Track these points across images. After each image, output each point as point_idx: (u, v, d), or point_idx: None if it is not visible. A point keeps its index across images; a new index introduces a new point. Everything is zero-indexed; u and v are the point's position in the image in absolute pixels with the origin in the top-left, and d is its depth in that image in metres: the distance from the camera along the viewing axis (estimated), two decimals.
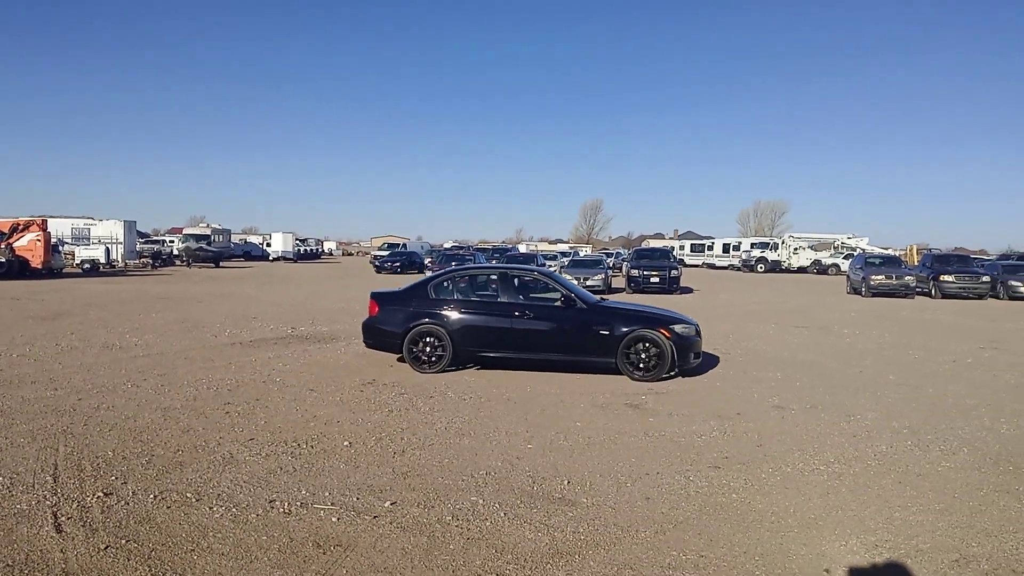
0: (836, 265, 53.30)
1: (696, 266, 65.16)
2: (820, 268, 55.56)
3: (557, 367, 10.59)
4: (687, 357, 10.43)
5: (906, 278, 30.18)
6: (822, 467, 6.41)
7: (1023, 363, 12.64)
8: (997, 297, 29.92)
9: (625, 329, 10.32)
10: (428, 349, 10.65)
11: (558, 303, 10.76)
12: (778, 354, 13.13)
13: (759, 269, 57.03)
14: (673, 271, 30.41)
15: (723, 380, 10.46)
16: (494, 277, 11.55)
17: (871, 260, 33.40)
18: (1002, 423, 8.12)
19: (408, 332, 10.71)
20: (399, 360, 11.06)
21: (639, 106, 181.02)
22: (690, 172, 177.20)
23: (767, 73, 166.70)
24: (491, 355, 10.69)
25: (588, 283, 28.35)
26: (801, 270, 57.04)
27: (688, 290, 31.64)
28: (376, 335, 11.23)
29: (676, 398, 9.21)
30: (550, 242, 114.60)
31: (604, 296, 11.61)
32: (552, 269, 36.09)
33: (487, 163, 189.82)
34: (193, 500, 5.24)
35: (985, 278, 30.01)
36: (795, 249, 58.63)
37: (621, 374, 10.30)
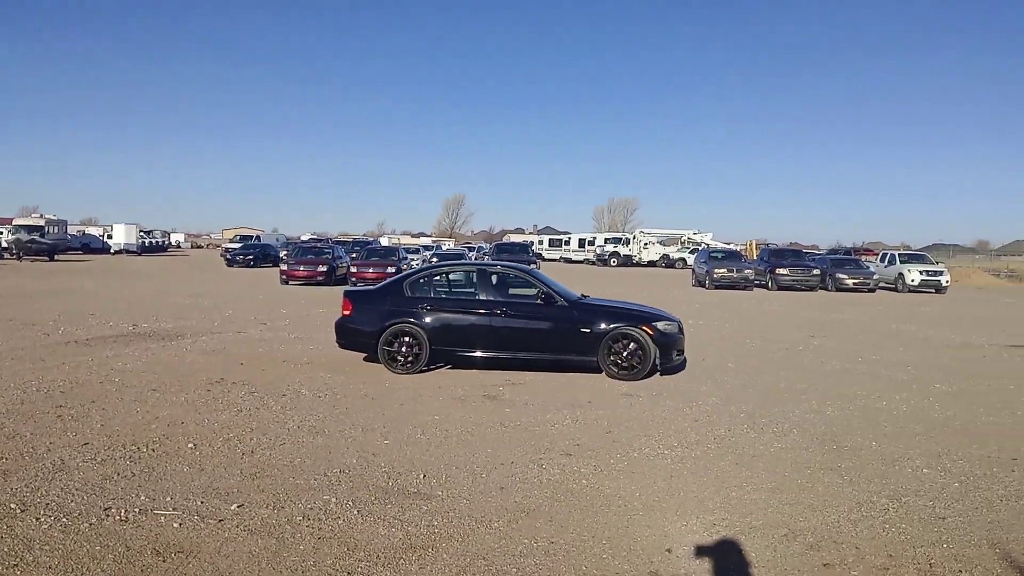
0: (683, 259, 55.93)
1: (554, 260, 66.63)
2: (669, 262, 58.23)
3: (538, 366, 10.40)
4: (670, 355, 10.29)
5: (746, 271, 32.13)
6: (666, 451, 6.73)
7: (848, 350, 13.78)
8: (826, 289, 32.44)
9: (606, 327, 10.14)
10: (404, 349, 10.36)
11: (536, 300, 10.57)
12: None
13: (612, 263, 59.01)
14: (531, 265, 30.97)
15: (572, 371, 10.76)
16: (472, 274, 11.29)
17: (714, 254, 35.35)
18: (828, 406, 8.80)
19: (383, 332, 10.40)
20: (365, 359, 10.71)
21: (502, 102, 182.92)
22: (550, 169, 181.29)
23: (620, 73, 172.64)
24: (469, 355, 10.43)
25: None
26: (651, 264, 59.48)
27: None
28: (349, 335, 10.91)
29: (532, 388, 9.38)
30: (413, 235, 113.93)
31: (585, 294, 11.29)
32: (412, 261, 36.01)
33: (348, 153, 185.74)
34: (17, 511, 4.83)
35: (816, 271, 32.52)
36: (646, 244, 61.11)
37: (601, 372, 10.17)
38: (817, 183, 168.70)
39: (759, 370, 11.28)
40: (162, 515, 4.84)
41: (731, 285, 31.72)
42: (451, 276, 11.62)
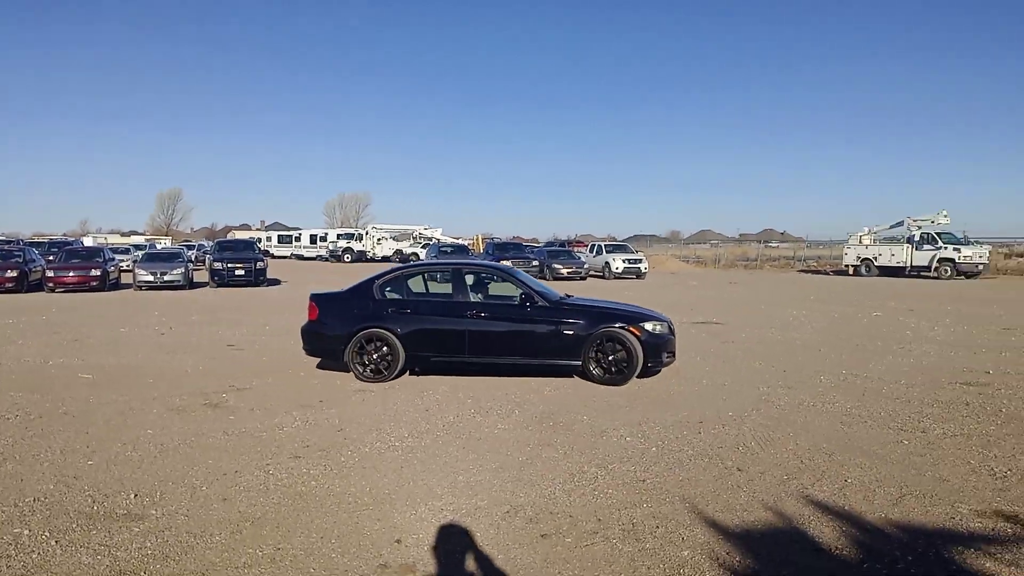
0: (416, 254, 56.79)
1: (285, 257, 64.47)
2: (403, 258, 58.73)
3: (519, 372, 9.90)
4: (659, 357, 9.77)
5: None
6: (397, 444, 6.81)
7: None
8: (545, 278, 34.66)
9: (591, 329, 9.63)
10: (376, 356, 9.71)
11: (516, 301, 9.95)
12: None
13: (346, 259, 58.25)
14: (259, 263, 29.67)
15: (306, 370, 10.50)
16: (447, 274, 10.60)
17: (444, 249, 36.50)
18: (546, 386, 9.42)
19: (351, 337, 9.71)
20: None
21: (225, 92, 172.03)
22: (277, 162, 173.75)
23: (339, 68, 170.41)
24: (446, 360, 9.88)
25: (166, 278, 26.42)
26: (385, 259, 59.58)
27: (276, 282, 31.14)
28: (316, 341, 10.21)
29: (258, 392, 9.01)
30: (123, 234, 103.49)
31: (568, 294, 10.98)
32: (122, 262, 32.82)
33: (42, 147, 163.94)
34: None
35: (535, 262, 34.76)
36: (379, 239, 61.05)
37: (587, 378, 9.68)
38: (536, 181, 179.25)
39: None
40: None
41: None
42: (427, 277, 10.99)
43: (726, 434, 7.16)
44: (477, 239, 64.74)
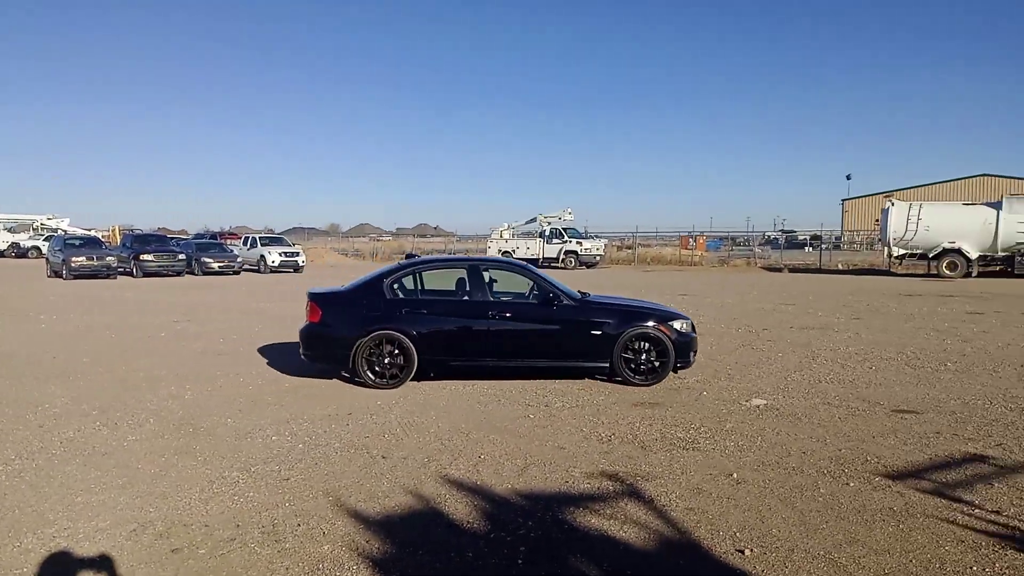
0: (37, 247, 49.86)
1: None
2: (20, 251, 51.49)
3: (545, 374, 9.41)
4: (687, 356, 9.37)
5: (108, 259, 30.11)
6: (0, 468, 5.90)
7: (209, 331, 13.97)
8: (194, 273, 32.43)
9: (621, 328, 9.11)
10: (387, 360, 8.94)
11: (539, 300, 9.33)
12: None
13: None
14: None
15: None
16: (464, 271, 9.64)
17: (71, 242, 32.20)
18: (187, 390, 8.82)
19: (361, 340, 8.90)
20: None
21: None
22: None
23: None
24: (466, 364, 9.19)
25: None
26: (1, 255, 51.66)
27: None
28: (320, 346, 9.36)
29: None
30: None
31: (584, 291, 9.70)
32: None
33: None
34: None
35: (181, 256, 32.19)
36: None
37: (617, 379, 9.22)
38: (189, 169, 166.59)
39: (116, 361, 10.68)
40: None
41: (92, 274, 29.35)
42: (439, 274, 10.04)
43: (374, 423, 7.31)
44: (114, 230, 58.48)
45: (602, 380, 9.36)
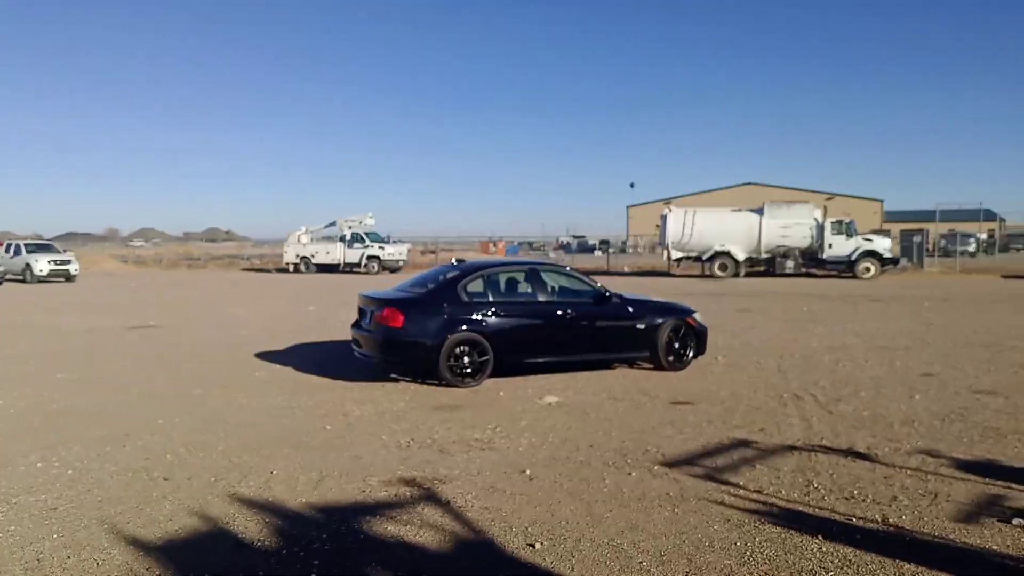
0: None
1: None
2: None
3: (592, 366, 10.27)
4: (704, 345, 10.74)
5: None
6: None
7: None
8: None
9: (660, 321, 10.31)
10: (466, 360, 9.22)
11: (593, 299, 10.26)
12: None
13: None
14: None
15: None
16: (525, 274, 10.35)
17: None
18: None
19: (445, 342, 9.08)
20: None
21: None
22: None
23: None
24: (539, 361, 9.84)
25: None
26: None
27: None
28: (404, 350, 9.34)
29: None
30: None
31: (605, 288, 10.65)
32: None
33: None
34: None
35: None
36: None
37: (653, 366, 10.43)
38: None
39: None
40: None
41: None
42: (505, 277, 10.41)
43: (155, 444, 6.81)
44: None
45: (646, 368, 9.59)
